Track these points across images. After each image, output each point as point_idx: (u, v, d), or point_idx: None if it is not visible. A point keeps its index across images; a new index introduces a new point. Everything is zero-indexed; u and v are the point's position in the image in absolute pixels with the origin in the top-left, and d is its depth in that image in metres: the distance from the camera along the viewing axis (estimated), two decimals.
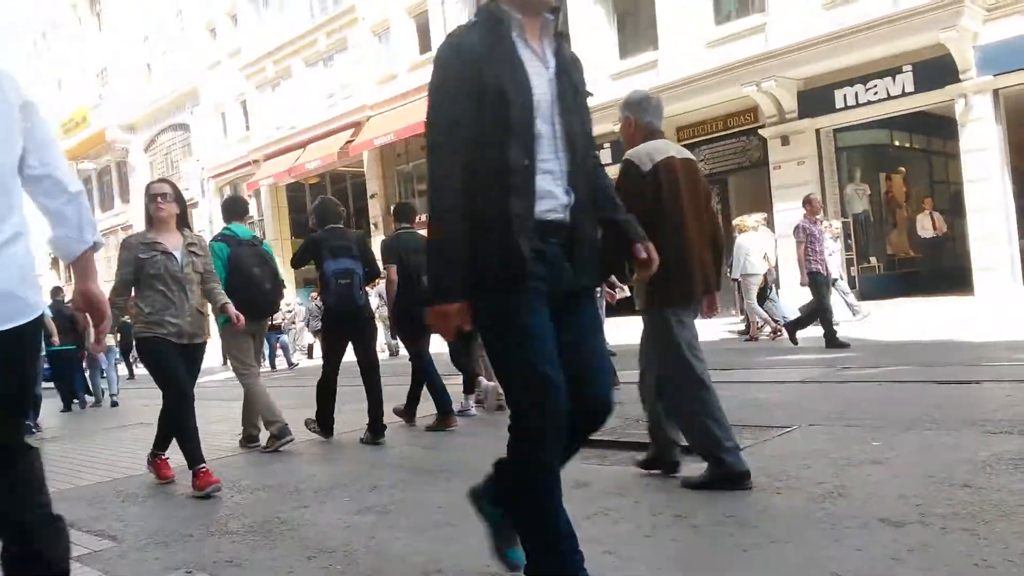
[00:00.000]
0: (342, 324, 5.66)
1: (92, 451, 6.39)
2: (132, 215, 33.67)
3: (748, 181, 15.81)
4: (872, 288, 14.47)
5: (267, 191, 27.17)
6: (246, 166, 27.31)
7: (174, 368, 4.34)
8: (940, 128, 14.61)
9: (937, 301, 12.18)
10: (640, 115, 3.54)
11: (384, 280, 6.08)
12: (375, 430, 5.39)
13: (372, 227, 24.32)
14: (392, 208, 6.38)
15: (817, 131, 13.92)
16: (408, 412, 6.08)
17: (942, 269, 15.34)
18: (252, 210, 28.75)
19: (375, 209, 24.31)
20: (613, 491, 3.43)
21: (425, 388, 6.00)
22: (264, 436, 5.48)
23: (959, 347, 7.85)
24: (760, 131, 14.41)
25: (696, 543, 2.64)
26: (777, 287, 11.81)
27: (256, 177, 26.28)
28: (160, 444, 4.68)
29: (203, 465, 4.19)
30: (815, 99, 13.63)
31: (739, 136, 15.23)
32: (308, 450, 5.38)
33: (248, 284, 5.35)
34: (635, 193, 3.22)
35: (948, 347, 7.91)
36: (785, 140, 14.01)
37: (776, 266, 11.93)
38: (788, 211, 14.00)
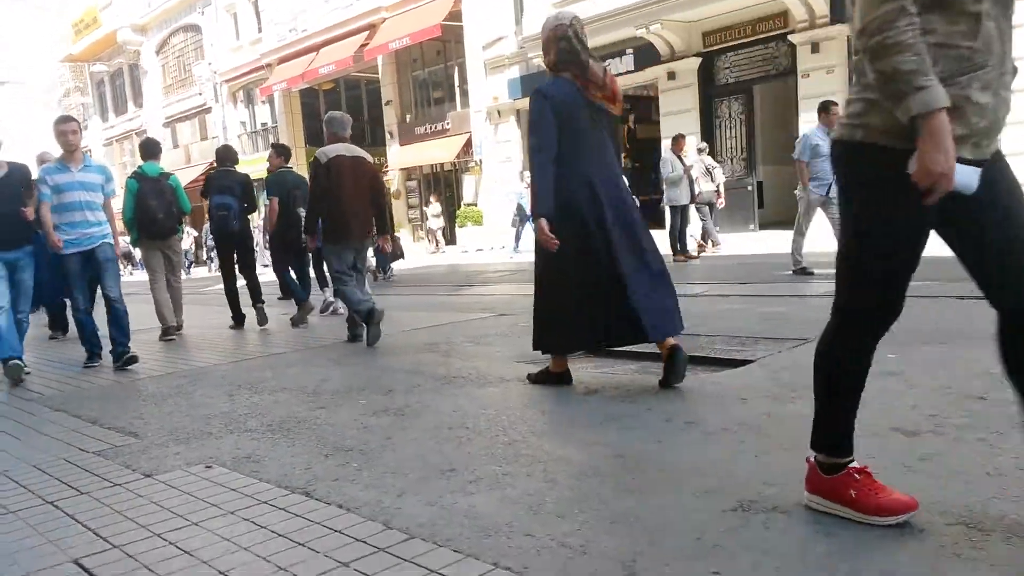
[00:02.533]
0: (222, 244, 7.45)
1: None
2: (145, 119, 33.40)
3: (774, 90, 15.35)
4: None
5: (280, 97, 26.73)
6: (258, 70, 26.83)
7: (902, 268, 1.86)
8: None
9: None
10: (328, 128, 5.89)
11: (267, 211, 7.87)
12: (260, 315, 7.33)
13: (388, 135, 24.01)
14: (272, 144, 8.37)
15: (848, 38, 13.35)
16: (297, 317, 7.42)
17: None
18: (266, 116, 28.47)
19: (390, 116, 23.92)
20: (626, 398, 3.46)
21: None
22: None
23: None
24: (789, 37, 13.87)
25: (707, 449, 2.66)
26: (712, 210, 12.40)
27: (269, 82, 25.82)
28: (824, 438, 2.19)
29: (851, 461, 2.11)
30: (849, 3, 13.04)
31: (767, 43, 14.68)
32: (324, 355, 5.45)
33: (146, 213, 6.76)
34: (316, 176, 5.69)
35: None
36: (815, 47, 13.50)
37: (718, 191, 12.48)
38: (815, 122, 13.64)
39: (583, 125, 3.52)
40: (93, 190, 5.56)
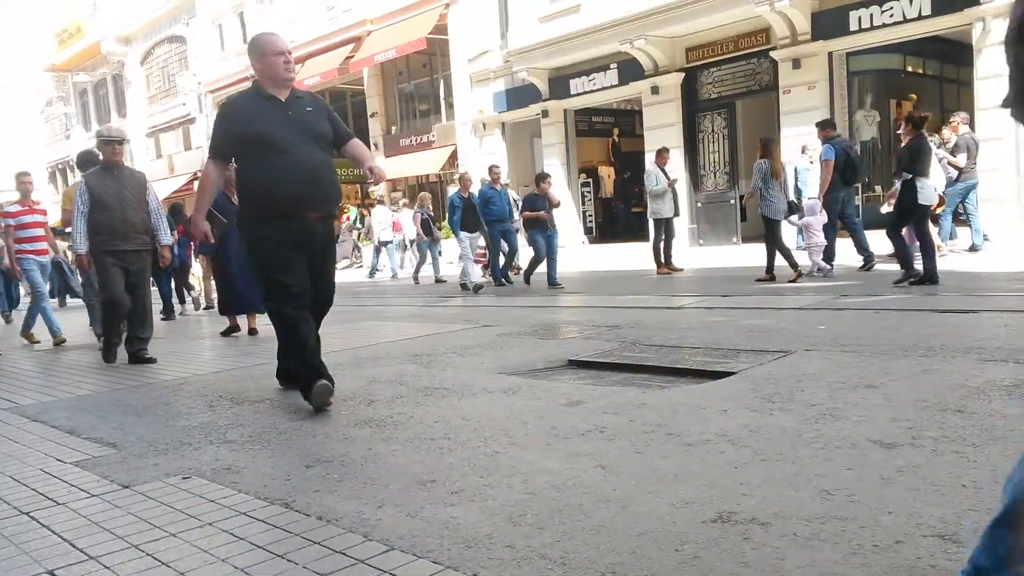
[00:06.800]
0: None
1: (93, 362, 6.44)
2: (129, 130, 33.16)
3: (756, 105, 15.52)
4: (876, 217, 14.36)
5: None
6: (243, 81, 26.69)
7: None
8: (954, 54, 14.25)
9: None
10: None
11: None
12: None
13: (373, 147, 24.00)
14: None
15: (829, 54, 13.57)
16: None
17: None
18: None
19: (375, 128, 23.93)
20: (608, 410, 3.46)
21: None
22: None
23: (959, 277, 7.84)
24: (771, 53, 14.04)
25: (687, 460, 2.67)
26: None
27: None
28: None
29: None
30: (829, 20, 13.23)
31: (749, 58, 14.86)
32: None
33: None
34: None
35: (947, 277, 7.89)
36: (796, 63, 13.67)
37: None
38: (796, 137, 13.80)
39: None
40: None
